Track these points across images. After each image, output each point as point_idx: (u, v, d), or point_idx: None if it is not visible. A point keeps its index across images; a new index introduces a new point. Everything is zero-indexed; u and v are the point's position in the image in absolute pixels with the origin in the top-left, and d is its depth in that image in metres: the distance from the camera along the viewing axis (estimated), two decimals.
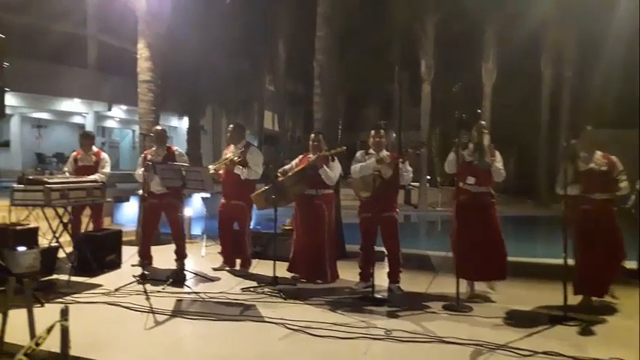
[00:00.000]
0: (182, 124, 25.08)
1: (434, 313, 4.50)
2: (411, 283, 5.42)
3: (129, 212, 9.97)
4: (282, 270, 5.53)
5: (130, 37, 8.87)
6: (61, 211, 5.74)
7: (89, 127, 23.36)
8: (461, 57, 20.74)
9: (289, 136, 24.90)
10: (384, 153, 5.17)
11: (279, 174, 5.55)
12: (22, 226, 5.57)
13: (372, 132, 5.28)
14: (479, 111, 16.11)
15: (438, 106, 20.91)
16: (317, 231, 5.43)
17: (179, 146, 7.96)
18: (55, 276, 5.52)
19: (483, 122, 5.10)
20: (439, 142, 25.44)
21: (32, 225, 5.64)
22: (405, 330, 3.94)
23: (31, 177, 5.61)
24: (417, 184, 19.05)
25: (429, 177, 21.41)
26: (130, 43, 8.61)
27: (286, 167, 5.70)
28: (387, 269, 5.32)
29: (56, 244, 5.79)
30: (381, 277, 5.29)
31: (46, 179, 5.55)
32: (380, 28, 19.54)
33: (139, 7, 8.03)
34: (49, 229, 5.83)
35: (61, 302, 4.53)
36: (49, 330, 2.61)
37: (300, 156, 5.79)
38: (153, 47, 8.08)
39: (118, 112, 24.24)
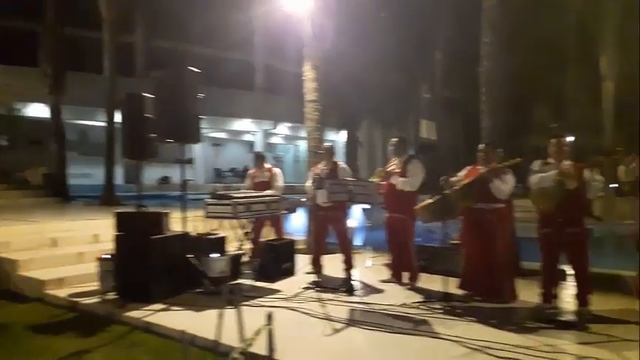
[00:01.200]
0: (339, 137, 26.03)
1: (630, 341, 3.98)
2: (601, 306, 4.87)
3: (296, 223, 10.62)
4: (450, 285, 5.39)
5: (291, 59, 9.50)
6: (244, 222, 6.35)
7: (258, 144, 25.59)
8: None
9: (448, 144, 24.20)
10: (566, 163, 4.74)
11: (444, 186, 5.43)
12: (213, 235, 6.30)
13: (553, 141, 4.87)
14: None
15: (624, 107, 18.60)
16: (489, 247, 5.18)
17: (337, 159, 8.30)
18: (240, 280, 6.12)
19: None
20: (625, 146, 22.52)
21: (221, 234, 6.35)
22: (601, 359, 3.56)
23: (220, 192, 6.31)
24: (601, 193, 17.09)
25: (615, 185, 18.99)
26: (292, 64, 9.23)
27: (453, 179, 5.56)
28: (572, 290, 4.85)
29: (241, 251, 6.41)
30: (565, 299, 4.86)
31: (232, 194, 6.20)
32: (550, 22, 18.06)
33: (305, 32, 8.58)
34: (235, 238, 6.49)
35: (249, 305, 4.99)
36: (258, 333, 2.89)
37: (468, 167, 5.60)
38: (317, 69, 8.55)
39: (283, 129, 26.14)
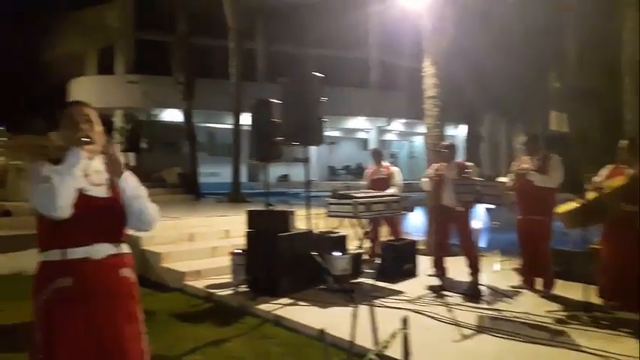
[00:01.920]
0: (458, 132, 25.15)
1: None
2: None
3: (413, 222, 10.47)
4: (590, 294, 4.95)
5: (406, 55, 9.34)
6: (364, 221, 6.41)
7: (372, 141, 25.66)
8: None
9: (581, 138, 22.22)
10: None
11: (588, 187, 4.97)
12: (334, 233, 6.44)
13: None
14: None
15: None
16: (636, 254, 4.66)
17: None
18: (360, 279, 6.18)
19: None
20: None
21: (342, 232, 6.47)
22: None
23: (341, 192, 6.42)
24: None
25: None
26: (407, 60, 9.07)
27: (596, 179, 5.07)
28: None
29: (361, 250, 6.48)
30: None
31: (353, 194, 6.28)
32: None
33: (424, 26, 8.39)
34: (355, 237, 6.58)
35: (371, 305, 5.01)
36: (393, 336, 2.91)
37: (610, 166, 5.09)
38: (437, 64, 8.33)
39: (397, 125, 25.90)
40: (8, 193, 14.58)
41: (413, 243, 6.78)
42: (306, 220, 6.32)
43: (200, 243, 7.67)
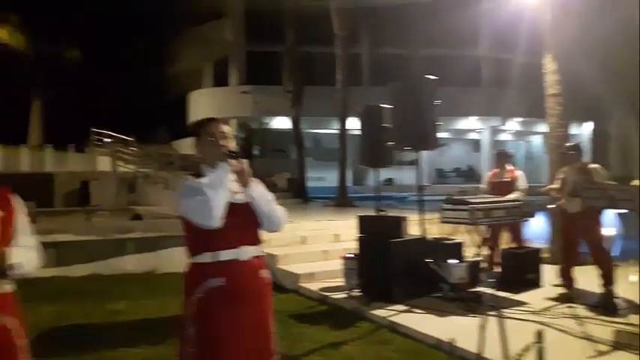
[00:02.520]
0: (582, 130, 23.19)
1: None
2: None
3: (535, 228, 9.82)
4: None
5: (520, 49, 8.81)
6: (482, 228, 6.13)
7: (485, 142, 24.55)
8: None
9: None
10: None
11: None
12: (449, 240, 6.25)
13: None
14: None
15: None
16: None
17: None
18: (479, 288, 5.91)
19: None
20: None
21: (457, 239, 6.25)
22: None
23: (457, 197, 6.22)
24: None
25: None
26: (522, 55, 8.55)
27: None
28: None
29: (479, 258, 6.21)
30: None
31: (469, 199, 6.04)
32: None
33: (544, 21, 7.88)
34: (471, 244, 6.31)
35: (499, 316, 4.78)
36: (526, 349, 2.76)
37: None
38: (559, 59, 7.77)
39: (513, 124, 24.52)
40: (138, 198, 16.12)
41: (536, 251, 6.37)
42: (419, 225, 6.20)
43: (312, 246, 7.87)
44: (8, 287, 2.03)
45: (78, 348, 4.23)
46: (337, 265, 6.44)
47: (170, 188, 15.40)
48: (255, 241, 2.37)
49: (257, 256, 2.37)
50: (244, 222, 2.32)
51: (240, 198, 2.34)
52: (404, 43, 21.81)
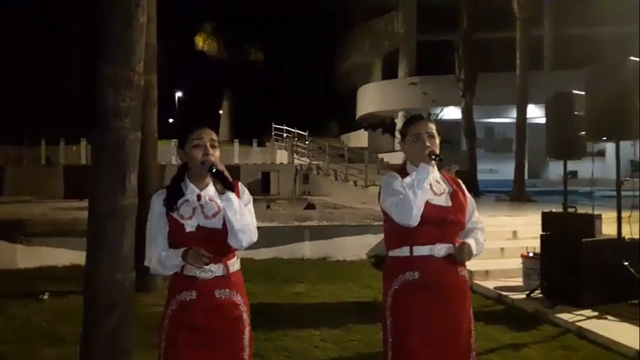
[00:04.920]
0: None
1: None
2: None
3: None
4: None
5: None
6: None
7: None
8: None
9: None
10: None
11: None
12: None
13: None
14: None
15: None
16: None
17: None
18: None
19: None
20: None
21: None
22: None
23: None
24: None
25: None
26: None
27: None
28: None
29: None
30: None
31: None
32: None
33: None
34: None
35: None
36: None
37: None
38: None
39: None
40: (311, 189, 17.16)
41: None
42: (616, 224, 5.54)
43: (487, 243, 7.48)
44: (238, 266, 2.26)
45: (268, 325, 4.65)
46: (515, 264, 6.13)
47: (339, 180, 16.11)
48: (453, 240, 2.39)
49: (450, 254, 2.39)
50: (444, 221, 2.36)
51: (441, 200, 2.38)
52: (592, 22, 19.47)
